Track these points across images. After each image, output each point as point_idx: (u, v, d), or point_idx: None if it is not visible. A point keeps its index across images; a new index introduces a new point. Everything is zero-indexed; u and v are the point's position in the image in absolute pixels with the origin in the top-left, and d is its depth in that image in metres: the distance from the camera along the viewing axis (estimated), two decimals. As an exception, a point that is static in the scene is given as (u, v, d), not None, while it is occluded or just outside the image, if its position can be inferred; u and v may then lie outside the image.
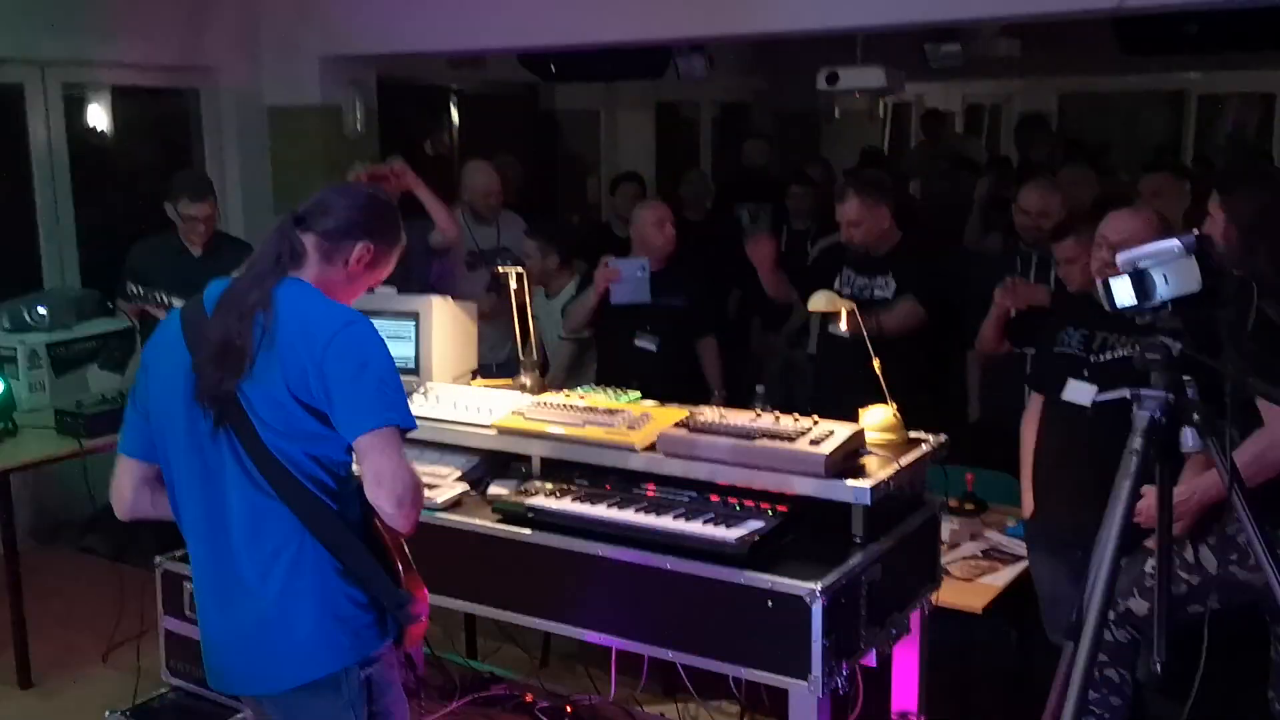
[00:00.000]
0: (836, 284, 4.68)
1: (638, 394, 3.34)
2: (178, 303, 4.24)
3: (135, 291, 4.84)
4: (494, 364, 4.99)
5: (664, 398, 3.33)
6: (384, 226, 2.49)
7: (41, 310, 5.02)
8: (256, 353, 2.26)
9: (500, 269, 3.77)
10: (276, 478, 2.28)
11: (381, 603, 2.38)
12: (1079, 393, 3.36)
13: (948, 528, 3.77)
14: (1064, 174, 5.93)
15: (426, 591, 2.48)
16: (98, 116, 6.35)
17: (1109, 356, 3.39)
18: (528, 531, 2.94)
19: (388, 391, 2.29)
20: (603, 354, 5.07)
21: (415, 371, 3.59)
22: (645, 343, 4.84)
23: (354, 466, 2.35)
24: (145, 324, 5.17)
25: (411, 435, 3.31)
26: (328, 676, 2.33)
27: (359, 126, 6.61)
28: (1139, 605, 3.12)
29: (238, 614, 2.35)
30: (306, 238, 2.40)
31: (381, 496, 2.24)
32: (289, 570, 2.30)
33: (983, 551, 3.80)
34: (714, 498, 2.88)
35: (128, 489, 2.50)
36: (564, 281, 5.28)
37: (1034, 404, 3.73)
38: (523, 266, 3.79)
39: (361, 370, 2.26)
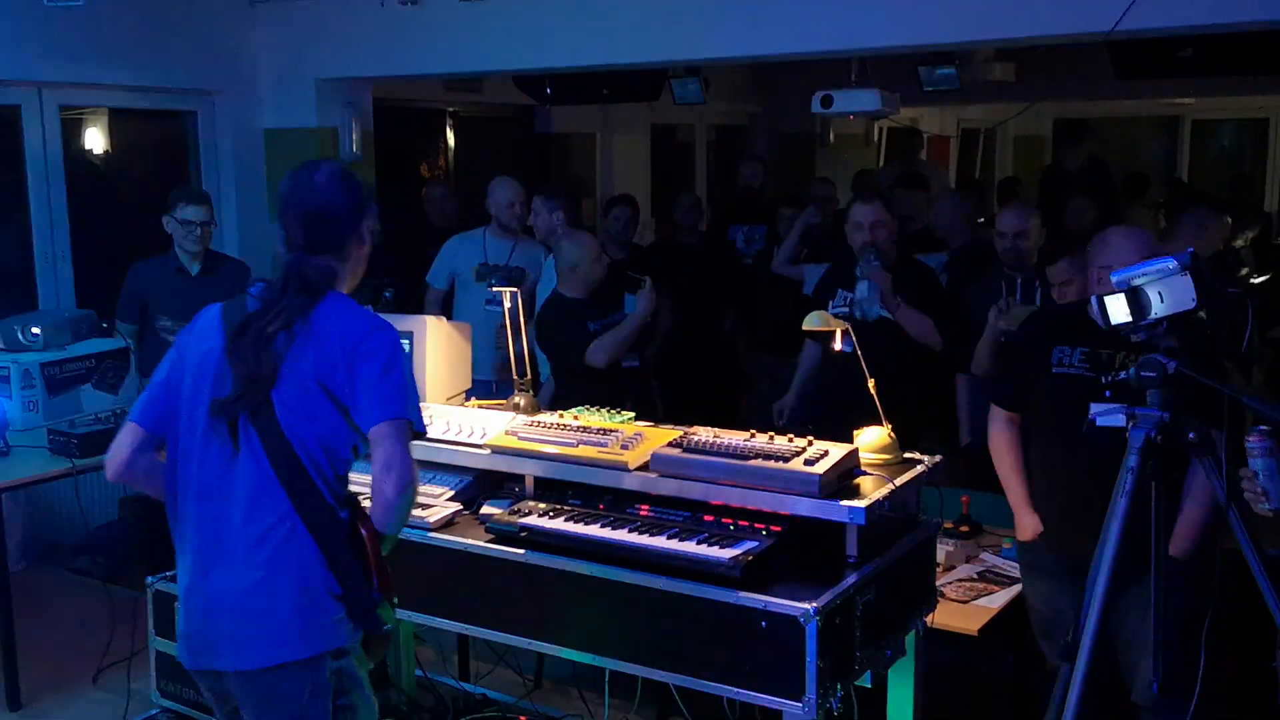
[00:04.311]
0: (832, 305, 4.69)
1: (631, 414, 3.33)
2: None
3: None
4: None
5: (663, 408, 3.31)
6: (364, 197, 2.58)
7: (35, 330, 5.00)
8: (294, 340, 2.40)
9: (493, 286, 3.76)
10: (282, 458, 2.39)
11: (354, 599, 2.45)
12: (1110, 416, 2.90)
13: (943, 550, 3.75)
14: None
15: (396, 601, 2.56)
16: (94, 138, 6.36)
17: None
18: (521, 551, 2.92)
19: (409, 393, 2.45)
20: (594, 376, 5.05)
21: (409, 391, 3.58)
22: (630, 361, 4.89)
23: (351, 479, 2.49)
24: (142, 346, 5.17)
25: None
26: (301, 661, 2.41)
27: (355, 149, 6.63)
28: None
29: (223, 582, 2.43)
30: (324, 259, 2.50)
31: (389, 481, 2.36)
32: (278, 548, 2.40)
33: (978, 573, 3.78)
34: (708, 518, 2.87)
35: (127, 449, 2.54)
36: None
37: (1002, 423, 3.53)
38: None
39: (388, 368, 2.42)
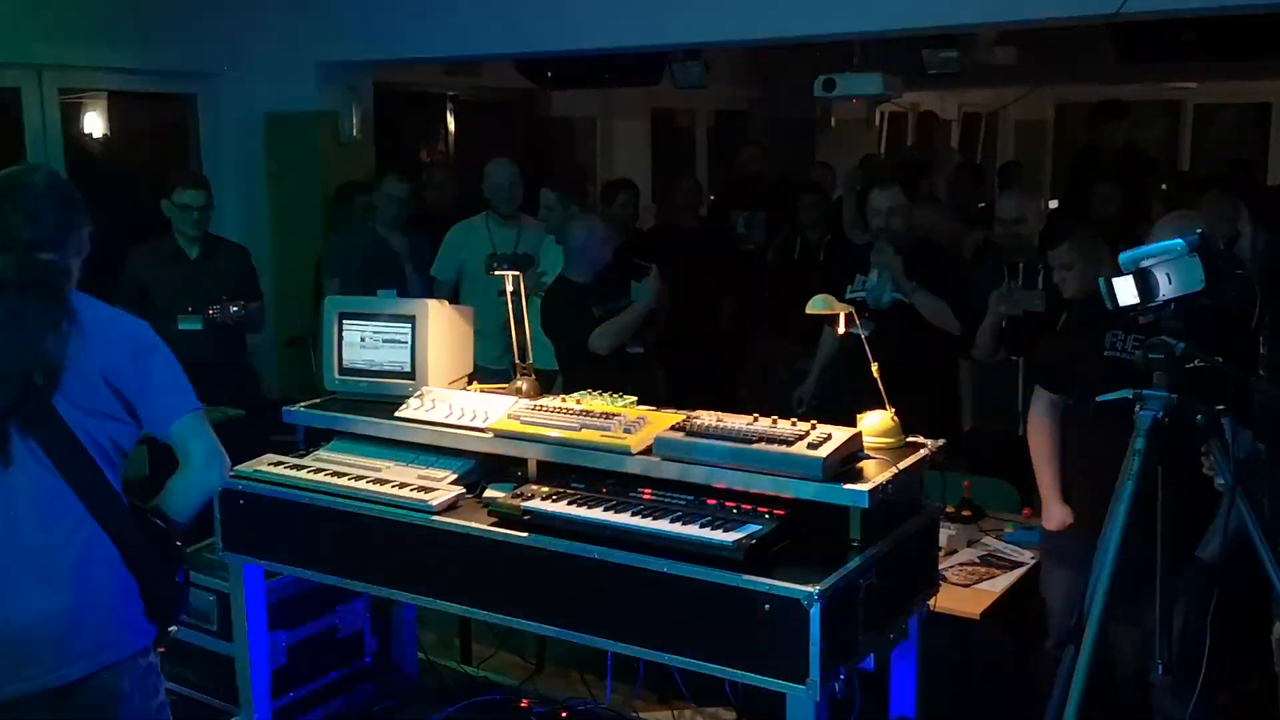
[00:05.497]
0: (849, 291, 4.67)
1: (634, 398, 3.33)
2: (234, 307, 4.75)
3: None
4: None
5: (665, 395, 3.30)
6: (81, 199, 2.56)
7: (36, 314, 5.00)
8: (67, 341, 2.34)
9: (495, 272, 3.75)
10: (74, 463, 2.34)
11: (155, 595, 2.46)
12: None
13: (945, 534, 3.76)
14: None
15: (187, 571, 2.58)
16: (94, 122, 6.34)
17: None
18: (524, 535, 2.92)
19: (185, 380, 2.51)
20: (598, 362, 5.04)
21: (411, 375, 3.57)
22: (635, 347, 4.89)
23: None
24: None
25: (407, 439, 3.37)
26: (116, 664, 2.39)
27: (355, 133, 6.60)
28: None
29: (16, 603, 2.33)
30: (52, 257, 2.42)
31: (215, 470, 2.48)
32: (79, 557, 2.36)
33: (980, 558, 3.79)
34: (710, 501, 2.86)
35: None
36: None
37: (1044, 406, 3.55)
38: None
39: (169, 361, 2.48)
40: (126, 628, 2.43)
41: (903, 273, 4.56)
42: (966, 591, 3.53)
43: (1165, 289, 2.28)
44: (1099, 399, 2.57)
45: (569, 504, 2.94)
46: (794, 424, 2.90)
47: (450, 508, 3.11)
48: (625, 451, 2.97)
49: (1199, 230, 2.32)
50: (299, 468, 3.37)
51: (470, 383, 3.72)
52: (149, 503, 2.50)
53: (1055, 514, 3.52)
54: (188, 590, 2.57)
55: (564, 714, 3.79)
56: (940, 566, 3.30)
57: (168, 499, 2.50)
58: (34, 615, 2.33)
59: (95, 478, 2.37)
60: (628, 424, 3.05)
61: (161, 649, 2.55)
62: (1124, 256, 2.36)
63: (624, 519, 2.84)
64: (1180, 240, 2.28)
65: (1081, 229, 4.15)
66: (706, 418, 3.01)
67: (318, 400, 3.71)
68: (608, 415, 3.12)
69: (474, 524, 3.01)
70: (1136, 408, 2.33)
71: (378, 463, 3.35)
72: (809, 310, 3.39)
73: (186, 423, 2.45)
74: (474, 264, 5.61)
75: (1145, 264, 2.30)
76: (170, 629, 2.55)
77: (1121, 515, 2.33)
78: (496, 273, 3.75)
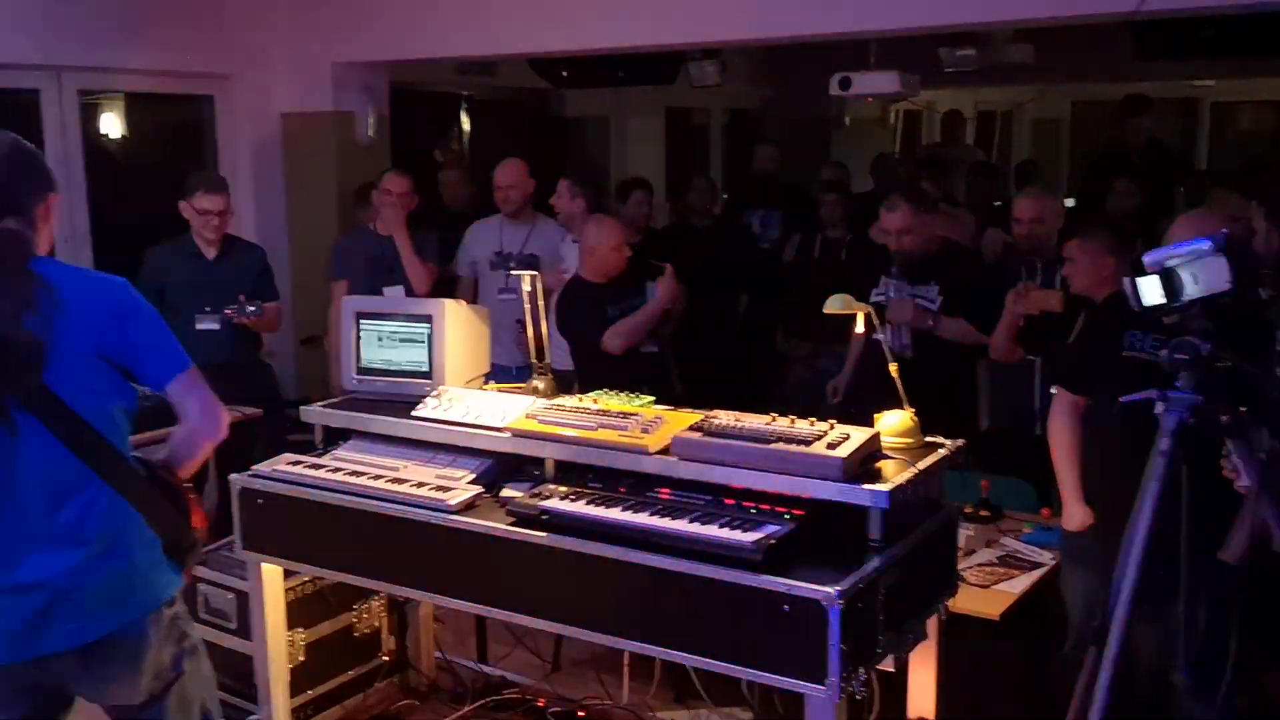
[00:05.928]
0: (874, 293, 4.63)
1: (651, 398, 3.33)
2: (251, 307, 4.78)
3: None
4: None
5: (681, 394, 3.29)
6: (46, 167, 2.52)
7: (54, 314, 5.02)
8: (48, 318, 2.32)
9: (512, 271, 3.75)
10: (77, 436, 2.37)
11: (174, 546, 2.56)
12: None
13: (964, 534, 3.74)
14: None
15: (203, 515, 2.68)
16: (112, 122, 6.37)
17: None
18: (541, 534, 2.91)
19: (173, 338, 2.55)
20: (613, 361, 5.04)
21: (429, 375, 3.57)
22: (650, 346, 4.88)
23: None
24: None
25: (424, 438, 3.37)
26: (143, 615, 2.48)
27: (371, 133, 6.62)
28: None
29: (45, 570, 2.38)
30: (10, 224, 2.38)
31: (216, 419, 2.55)
32: (100, 519, 2.42)
33: (999, 558, 3.77)
34: (729, 501, 2.85)
35: None
36: None
37: (1065, 407, 3.53)
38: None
39: (153, 320, 2.52)
40: (152, 580, 2.51)
41: (917, 315, 4.51)
42: (985, 592, 3.52)
43: (1191, 289, 2.26)
44: (1122, 400, 2.55)
45: (587, 504, 2.94)
46: (812, 424, 2.89)
47: (468, 507, 3.11)
48: (643, 451, 2.97)
49: (1225, 230, 2.30)
50: (317, 467, 3.38)
51: (486, 382, 3.72)
52: (154, 457, 2.56)
53: (1076, 515, 3.50)
54: (204, 535, 2.66)
55: (580, 713, 3.79)
56: (959, 567, 3.29)
57: (171, 454, 2.57)
58: (60, 578, 2.39)
59: (102, 448, 2.41)
60: (645, 424, 3.04)
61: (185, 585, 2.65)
62: (1148, 256, 2.34)
63: (642, 519, 2.83)
64: (1207, 239, 2.26)
65: (1100, 226, 4.12)
66: (724, 417, 3.00)
67: (335, 399, 3.72)
68: (625, 415, 3.11)
69: (492, 523, 3.01)
70: (1161, 408, 2.31)
71: (395, 462, 3.35)
72: (826, 310, 3.38)
73: (181, 380, 2.50)
74: (485, 261, 5.65)
75: (1170, 264, 2.28)
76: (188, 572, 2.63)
77: (1146, 517, 2.31)
78: (514, 272, 3.75)
